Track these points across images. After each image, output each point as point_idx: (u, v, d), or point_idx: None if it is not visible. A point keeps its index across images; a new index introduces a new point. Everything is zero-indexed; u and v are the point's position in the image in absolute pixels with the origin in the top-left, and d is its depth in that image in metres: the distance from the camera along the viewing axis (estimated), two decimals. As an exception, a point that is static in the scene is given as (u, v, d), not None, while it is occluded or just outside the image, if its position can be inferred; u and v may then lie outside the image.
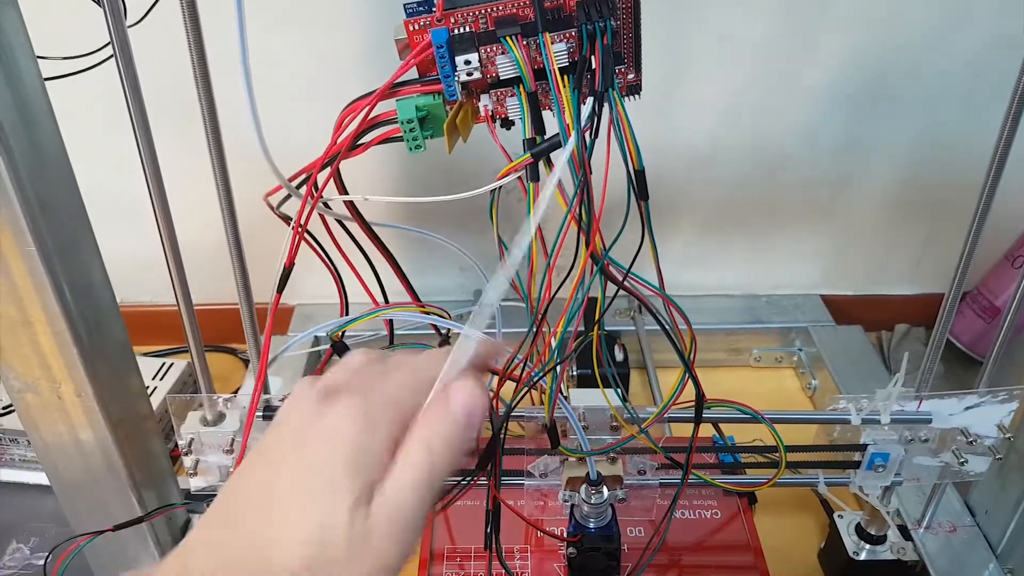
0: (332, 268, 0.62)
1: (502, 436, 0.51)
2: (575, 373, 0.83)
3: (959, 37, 0.83)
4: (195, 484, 0.60)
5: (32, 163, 0.46)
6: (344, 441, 0.30)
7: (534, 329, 0.48)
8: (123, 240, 0.77)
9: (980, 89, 0.86)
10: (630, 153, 0.42)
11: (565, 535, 0.57)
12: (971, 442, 0.60)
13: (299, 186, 0.49)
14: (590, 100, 0.40)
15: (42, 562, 0.74)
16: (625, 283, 0.47)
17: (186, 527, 0.69)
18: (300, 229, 0.50)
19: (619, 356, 0.90)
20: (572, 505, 0.58)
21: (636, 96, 0.45)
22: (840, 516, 0.71)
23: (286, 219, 0.54)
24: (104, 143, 0.77)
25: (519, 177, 0.43)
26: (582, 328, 0.58)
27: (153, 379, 0.88)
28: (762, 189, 0.95)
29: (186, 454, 0.58)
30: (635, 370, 0.96)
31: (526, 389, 0.47)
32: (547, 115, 0.43)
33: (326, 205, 0.56)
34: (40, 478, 0.81)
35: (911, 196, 0.96)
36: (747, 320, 0.98)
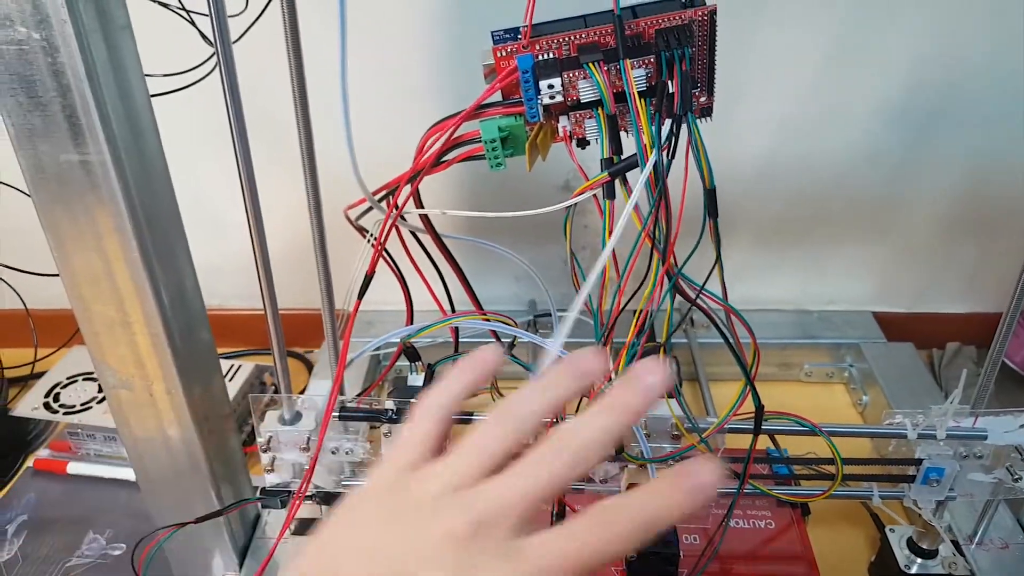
0: (400, 276, 0.65)
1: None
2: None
3: (1017, 55, 0.84)
4: (270, 480, 0.63)
5: (139, 175, 0.49)
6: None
7: (604, 341, 0.50)
8: (196, 247, 0.81)
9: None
10: (704, 173, 0.45)
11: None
12: (1026, 459, 0.61)
13: (381, 200, 0.52)
14: (666, 121, 0.42)
15: (118, 552, 0.78)
16: (698, 301, 0.49)
17: (257, 521, 0.73)
18: (382, 240, 0.52)
19: (672, 368, 0.91)
20: (632, 510, 0.59)
21: (708, 118, 0.47)
22: (892, 530, 0.72)
23: (362, 230, 0.57)
24: (184, 154, 0.81)
25: (594, 195, 0.46)
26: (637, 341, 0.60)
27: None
28: (816, 205, 0.96)
29: (264, 451, 0.61)
30: (687, 382, 0.97)
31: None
32: (622, 136, 0.46)
33: (403, 218, 0.58)
34: (114, 472, 0.85)
35: (965, 213, 0.96)
36: (798, 335, 0.99)
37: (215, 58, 0.48)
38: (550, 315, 0.73)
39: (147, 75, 0.53)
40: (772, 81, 0.87)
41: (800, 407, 0.96)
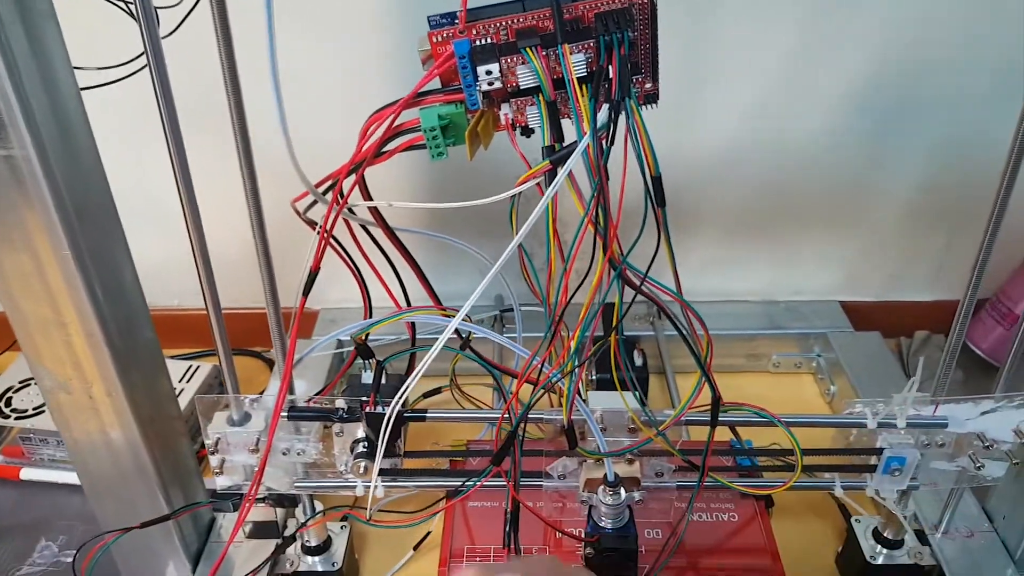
0: (356, 273, 0.63)
1: (520, 437, 0.52)
2: (594, 378, 0.84)
3: (983, 44, 0.83)
4: (220, 483, 0.61)
5: (68, 169, 0.47)
6: None
7: (551, 332, 0.49)
8: (149, 244, 0.79)
9: (1003, 96, 0.86)
10: (647, 159, 0.43)
11: (583, 536, 0.58)
12: (988, 447, 0.60)
13: (325, 192, 0.50)
14: (607, 107, 0.41)
15: (70, 560, 0.76)
16: (643, 288, 0.47)
17: (211, 526, 0.71)
18: (326, 234, 0.51)
19: (638, 361, 0.91)
20: (590, 506, 0.58)
21: (654, 105, 0.46)
22: (857, 520, 0.71)
23: (312, 224, 0.55)
24: (131, 149, 0.79)
25: (538, 184, 0.45)
26: (601, 333, 0.59)
27: (180, 381, 0.90)
28: (783, 195, 0.95)
29: (212, 453, 0.59)
30: (655, 375, 0.96)
31: (543, 391, 0.48)
32: (566, 124, 0.44)
33: (351, 211, 0.57)
34: (68, 477, 0.83)
35: (933, 203, 0.96)
36: (766, 326, 0.99)
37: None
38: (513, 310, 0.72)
39: (79, 67, 0.51)
40: (737, 68, 0.86)
41: (769, 398, 0.95)
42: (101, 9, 0.60)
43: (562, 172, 0.40)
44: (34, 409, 0.84)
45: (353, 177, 0.49)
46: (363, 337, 0.62)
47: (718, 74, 0.87)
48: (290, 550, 0.69)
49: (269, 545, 0.67)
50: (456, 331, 0.65)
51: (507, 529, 0.52)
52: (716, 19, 0.83)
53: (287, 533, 0.68)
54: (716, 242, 1.00)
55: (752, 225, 0.99)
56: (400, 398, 0.49)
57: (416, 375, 0.50)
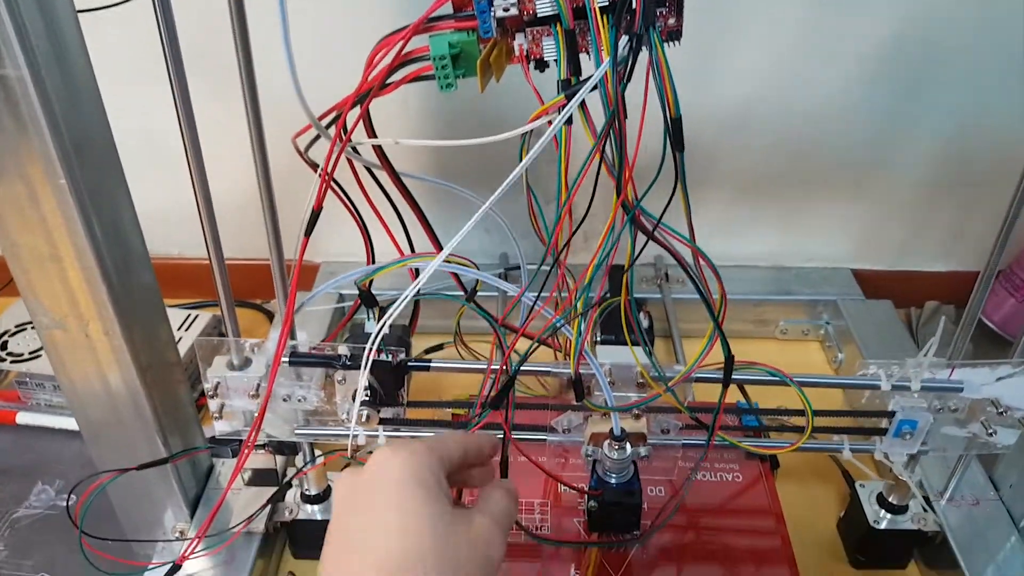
0: (358, 218, 0.62)
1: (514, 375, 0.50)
2: (599, 339, 0.82)
3: (1005, 11, 0.81)
4: (219, 428, 0.60)
5: (64, 95, 0.46)
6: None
7: (555, 267, 0.47)
8: (152, 192, 0.77)
9: (1020, 67, 0.84)
10: (668, 99, 0.41)
11: (586, 489, 0.57)
12: (1001, 413, 0.59)
13: (328, 125, 0.49)
14: (627, 39, 0.39)
15: (67, 503, 0.75)
16: (656, 236, 0.46)
17: (210, 472, 0.70)
18: (329, 171, 0.49)
19: (644, 323, 0.89)
20: (594, 460, 0.57)
21: (676, 42, 0.44)
22: (862, 485, 0.70)
23: (314, 165, 0.53)
24: (133, 91, 0.77)
25: (549, 121, 0.43)
26: (609, 294, 0.58)
27: (179, 329, 0.88)
28: (797, 159, 0.93)
29: (211, 397, 0.58)
30: (660, 339, 0.95)
31: (551, 331, 0.47)
32: (583, 60, 0.43)
33: (354, 150, 0.55)
34: (65, 423, 0.82)
35: (950, 172, 0.94)
36: (774, 291, 0.97)
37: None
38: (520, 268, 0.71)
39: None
40: (753, 30, 0.84)
41: (775, 364, 0.94)
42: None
43: (574, 101, 0.38)
44: (30, 353, 0.83)
45: (357, 111, 0.47)
46: (367, 284, 0.61)
47: (733, 35, 0.84)
48: (289, 498, 0.68)
49: (268, 493, 0.66)
50: (461, 284, 0.64)
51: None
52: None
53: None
54: (727, 205, 0.98)
55: (764, 189, 0.97)
56: (390, 316, 0.47)
57: (406, 296, 0.48)
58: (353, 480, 0.38)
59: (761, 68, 0.86)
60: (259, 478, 0.67)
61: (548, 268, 0.49)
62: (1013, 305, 0.96)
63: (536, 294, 0.50)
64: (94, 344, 0.55)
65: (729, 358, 0.53)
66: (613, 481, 0.56)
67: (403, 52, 0.42)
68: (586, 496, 0.56)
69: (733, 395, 0.72)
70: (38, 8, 0.43)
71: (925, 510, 0.68)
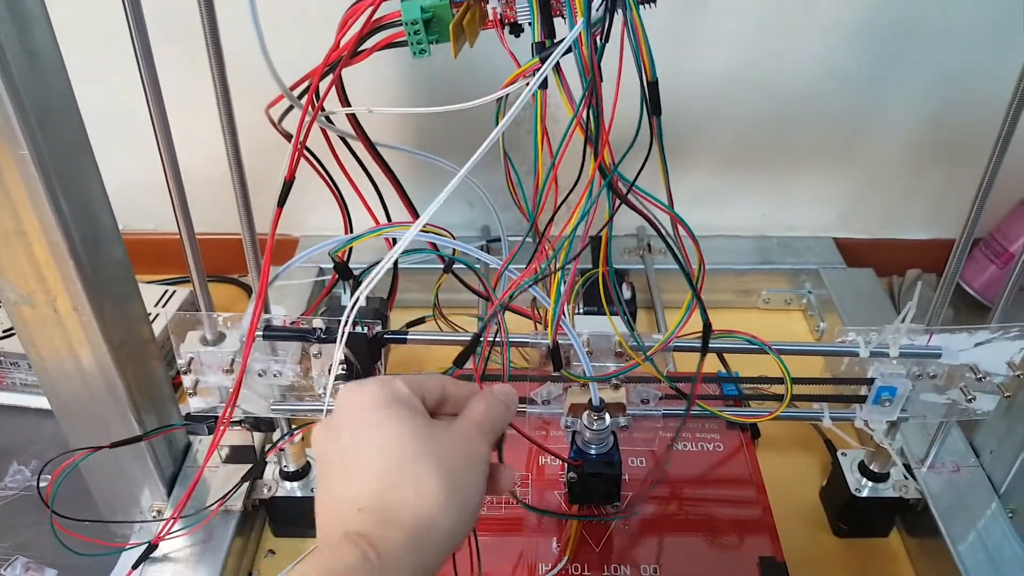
0: (335, 190, 0.61)
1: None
2: (582, 310, 0.82)
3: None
4: (194, 405, 0.59)
5: (24, 65, 0.44)
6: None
7: (535, 237, 0.47)
8: (127, 166, 0.76)
9: (1007, 31, 0.83)
10: (644, 62, 0.41)
11: (567, 459, 0.57)
12: (980, 379, 0.59)
13: (300, 96, 0.47)
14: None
15: (43, 484, 0.74)
16: (633, 201, 0.45)
17: (187, 451, 0.69)
18: (301, 141, 0.48)
19: (627, 294, 0.89)
20: (574, 431, 0.57)
21: (652, 4, 0.43)
22: (844, 454, 0.71)
23: (288, 136, 0.52)
24: (103, 65, 0.75)
25: (527, 83, 0.42)
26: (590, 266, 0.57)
27: (155, 306, 0.87)
28: (779, 128, 0.93)
29: (185, 373, 0.57)
30: (643, 309, 0.95)
31: (525, 285, 0.46)
32: (559, 24, 0.42)
33: (328, 120, 0.54)
34: (41, 402, 0.81)
35: (932, 139, 0.94)
36: (757, 261, 0.97)
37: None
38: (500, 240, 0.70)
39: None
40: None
41: (758, 333, 0.94)
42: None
43: (548, 63, 0.38)
44: (3, 332, 0.82)
45: (329, 79, 0.46)
46: (342, 255, 0.60)
47: (714, 2, 0.83)
48: (268, 475, 0.68)
49: (246, 471, 0.65)
50: (440, 256, 0.64)
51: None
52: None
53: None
54: (709, 175, 0.97)
55: (746, 158, 0.96)
56: (365, 288, 0.47)
57: (382, 267, 0.47)
58: (327, 421, 0.38)
59: (742, 36, 0.86)
60: (236, 455, 0.66)
61: (530, 240, 0.48)
62: (993, 272, 0.97)
63: (508, 263, 0.49)
64: (63, 320, 0.54)
65: (707, 325, 0.53)
66: (593, 452, 0.56)
67: (374, 18, 0.41)
68: (566, 467, 0.56)
69: (714, 364, 0.73)
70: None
71: (906, 478, 0.69)
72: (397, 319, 0.89)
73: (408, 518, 0.34)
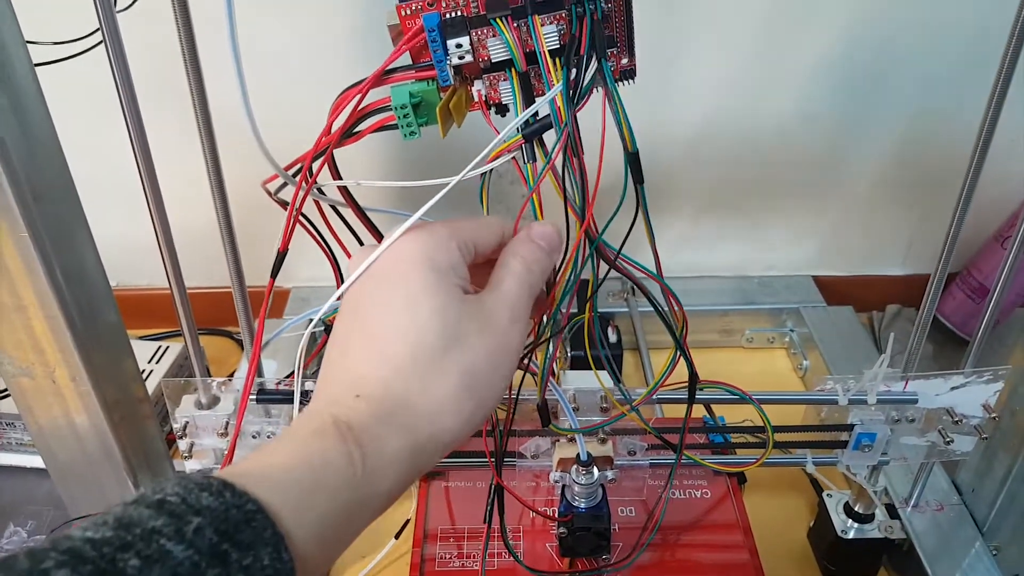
0: (328, 252, 0.62)
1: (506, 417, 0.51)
2: (569, 355, 0.84)
3: (952, 18, 0.83)
4: (190, 467, 0.61)
5: (23, 149, 0.46)
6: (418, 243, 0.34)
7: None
8: (119, 224, 0.77)
9: (974, 69, 0.86)
10: (625, 135, 0.43)
11: (556, 515, 0.58)
12: (957, 422, 0.61)
13: (295, 174, 0.49)
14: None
15: (39, 544, 0.74)
16: (618, 265, 0.47)
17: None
18: (294, 216, 0.50)
19: (612, 338, 0.91)
20: (563, 486, 0.58)
21: (630, 81, 0.45)
22: (829, 495, 0.72)
23: (283, 204, 0.54)
24: (97, 127, 0.76)
25: (513, 158, 0.44)
26: (576, 310, 0.59)
27: (149, 362, 0.88)
28: (756, 170, 0.95)
29: (181, 437, 0.58)
30: (629, 352, 0.96)
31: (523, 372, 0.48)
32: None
33: (320, 191, 0.56)
34: (37, 462, 0.81)
35: (904, 177, 0.96)
36: (739, 301, 0.99)
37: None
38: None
39: (33, 42, 0.49)
40: (709, 44, 0.86)
41: (742, 373, 0.96)
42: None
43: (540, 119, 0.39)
44: (0, 392, 0.82)
45: (321, 160, 0.47)
46: (333, 319, 0.61)
47: (691, 50, 0.86)
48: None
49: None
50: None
51: (489, 507, 0.52)
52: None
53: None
54: (690, 218, 1.00)
55: (726, 201, 0.99)
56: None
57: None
58: (370, 271, 0.34)
59: (718, 81, 0.88)
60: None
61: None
62: (971, 307, 0.99)
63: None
64: (61, 389, 0.55)
65: (692, 378, 0.54)
66: (582, 506, 0.57)
67: (361, 106, 0.43)
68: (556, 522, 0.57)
69: (698, 411, 0.74)
70: (-6, 65, 0.43)
71: (891, 518, 0.70)
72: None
73: (410, 424, 0.30)
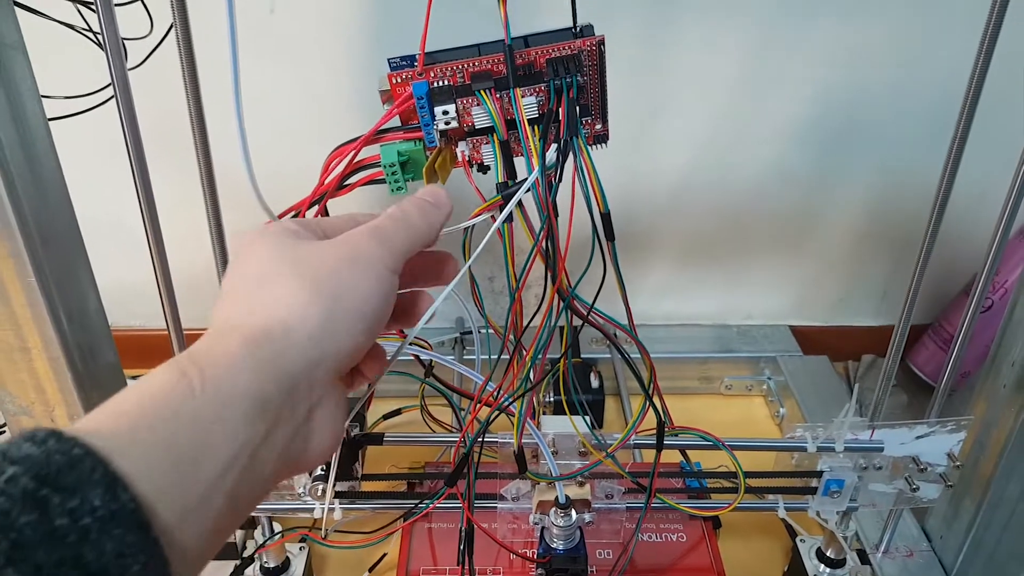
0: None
1: (475, 458, 0.54)
2: (551, 400, 0.86)
3: (919, 77, 0.88)
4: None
5: (34, 198, 0.49)
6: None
7: (505, 355, 0.51)
8: (114, 266, 0.80)
9: (940, 130, 0.90)
10: (595, 196, 0.46)
11: (535, 557, 0.60)
12: (922, 470, 0.63)
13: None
14: (555, 147, 0.44)
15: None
16: (591, 319, 0.50)
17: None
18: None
19: (595, 383, 0.93)
20: (542, 528, 0.60)
21: (603, 145, 0.48)
22: (802, 540, 0.74)
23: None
24: (102, 175, 0.79)
25: (492, 216, 0.47)
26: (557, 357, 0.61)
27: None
28: (733, 223, 0.99)
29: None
30: (611, 396, 0.99)
31: (497, 412, 0.50)
32: (520, 162, 0.47)
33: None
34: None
35: (878, 229, 1.00)
36: (718, 349, 1.02)
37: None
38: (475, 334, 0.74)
39: (47, 96, 0.52)
40: (686, 102, 0.90)
41: (720, 420, 0.98)
42: (73, 40, 0.61)
43: (509, 205, 0.43)
44: (-6, 429, 0.84)
45: (315, 208, 0.50)
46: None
47: (669, 107, 0.90)
48: (249, 571, 0.70)
49: (228, 566, 0.67)
50: (419, 359, 0.67)
51: (461, 548, 0.54)
52: (667, 51, 0.86)
53: (246, 554, 0.69)
54: (670, 268, 1.03)
55: (704, 251, 1.02)
56: (350, 417, 0.50)
57: (362, 400, 0.51)
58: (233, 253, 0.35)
59: (695, 137, 0.92)
60: (228, 551, 0.68)
61: (508, 358, 0.52)
62: (943, 357, 1.01)
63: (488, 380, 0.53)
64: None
65: (660, 425, 0.57)
66: (560, 548, 0.59)
67: (355, 160, 0.46)
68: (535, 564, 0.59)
69: (678, 456, 0.76)
70: (11, 118, 0.46)
71: (862, 563, 0.72)
72: (377, 409, 0.92)
73: (250, 325, 0.29)
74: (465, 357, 0.98)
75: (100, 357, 0.58)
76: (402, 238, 0.35)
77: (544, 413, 0.81)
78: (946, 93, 0.86)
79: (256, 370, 0.28)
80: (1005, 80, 0.70)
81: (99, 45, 0.55)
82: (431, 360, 0.63)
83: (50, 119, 0.50)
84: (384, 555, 0.73)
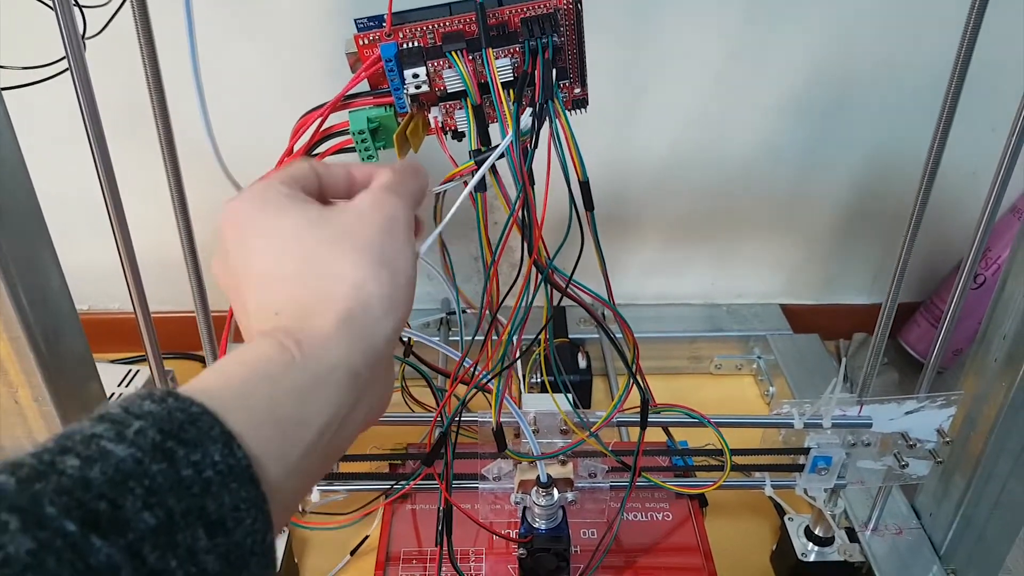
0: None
1: (453, 437, 0.52)
2: (537, 380, 0.84)
3: (915, 53, 0.86)
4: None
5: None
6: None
7: (483, 333, 0.49)
8: (90, 248, 0.78)
9: (930, 107, 0.88)
10: (573, 164, 0.44)
11: (516, 537, 0.58)
12: (911, 446, 0.62)
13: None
14: (531, 111, 0.42)
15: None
16: (570, 292, 0.48)
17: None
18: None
19: (582, 363, 0.92)
20: (524, 507, 0.59)
21: (583, 110, 0.46)
22: (790, 519, 0.73)
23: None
24: (69, 153, 0.77)
25: (464, 182, 0.45)
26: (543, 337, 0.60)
27: (119, 386, 0.88)
28: (725, 200, 0.97)
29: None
30: (599, 377, 0.97)
31: (475, 391, 0.49)
32: (495, 128, 0.45)
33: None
34: None
35: (869, 208, 0.99)
36: (708, 328, 1.01)
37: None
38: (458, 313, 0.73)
39: (1, 66, 0.50)
40: (675, 77, 0.88)
41: (710, 399, 0.97)
42: (32, 8, 0.59)
43: (481, 169, 0.41)
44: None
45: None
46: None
47: (658, 82, 0.88)
48: None
49: None
50: (400, 339, 0.66)
51: (439, 528, 0.53)
52: (655, 25, 0.84)
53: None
54: (659, 247, 1.01)
55: (694, 230, 1.00)
56: None
57: None
58: (217, 253, 0.34)
59: (685, 113, 0.90)
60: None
61: (483, 337, 0.50)
62: (935, 335, 1.00)
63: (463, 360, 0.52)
64: (23, 410, 0.55)
65: (644, 403, 0.55)
66: (542, 527, 0.58)
67: (322, 128, 0.44)
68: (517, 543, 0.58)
69: (662, 436, 0.75)
70: (-39, 87, 0.44)
71: (851, 541, 0.71)
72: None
73: (332, 304, 0.30)
74: (451, 338, 0.96)
75: (66, 340, 0.57)
76: (414, 194, 0.35)
77: (522, 393, 0.80)
78: (939, 69, 0.85)
79: (348, 346, 0.30)
80: (998, 56, 0.69)
81: (52, 8, 0.53)
82: (410, 338, 0.61)
83: (4, 88, 0.48)
84: (366, 537, 0.72)
